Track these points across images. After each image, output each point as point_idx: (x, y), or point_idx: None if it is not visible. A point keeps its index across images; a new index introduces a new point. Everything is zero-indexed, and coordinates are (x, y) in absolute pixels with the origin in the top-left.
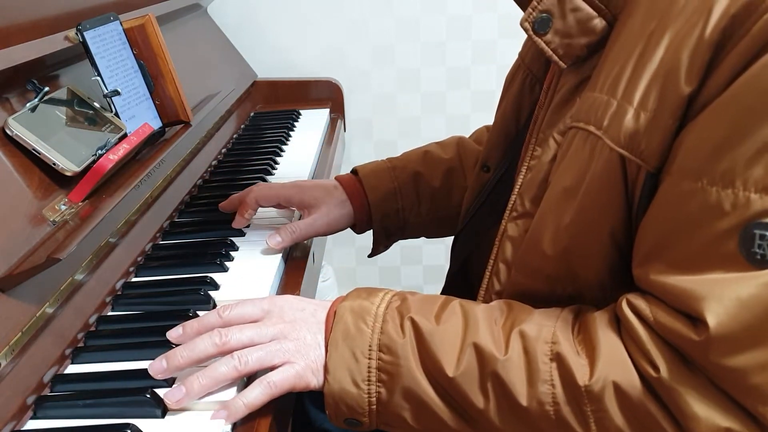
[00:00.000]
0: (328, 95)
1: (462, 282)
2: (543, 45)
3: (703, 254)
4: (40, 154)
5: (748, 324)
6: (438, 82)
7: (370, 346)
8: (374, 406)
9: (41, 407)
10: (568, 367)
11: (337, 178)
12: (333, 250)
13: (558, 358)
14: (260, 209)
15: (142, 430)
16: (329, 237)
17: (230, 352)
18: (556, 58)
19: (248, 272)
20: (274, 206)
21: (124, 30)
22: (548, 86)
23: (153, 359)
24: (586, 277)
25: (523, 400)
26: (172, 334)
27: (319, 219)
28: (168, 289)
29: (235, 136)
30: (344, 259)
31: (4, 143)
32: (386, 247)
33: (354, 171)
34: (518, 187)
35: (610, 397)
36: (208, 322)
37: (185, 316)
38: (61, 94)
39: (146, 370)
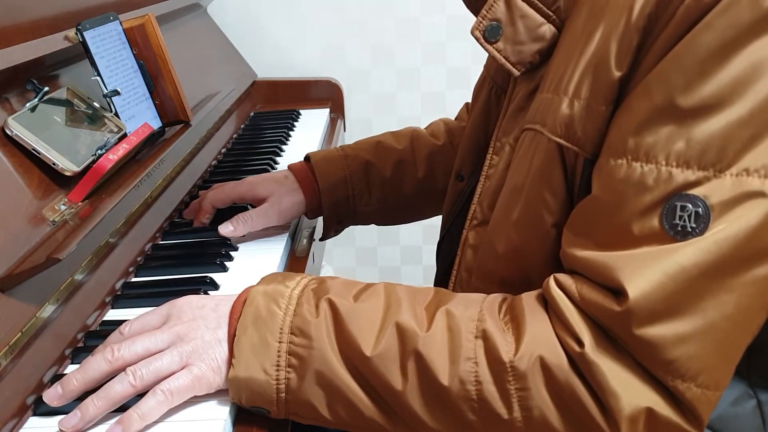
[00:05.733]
0: (327, 95)
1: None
2: (495, 53)
3: (627, 229)
4: (39, 154)
5: (667, 295)
6: (438, 82)
7: (281, 328)
8: (283, 394)
9: (41, 407)
10: (493, 344)
11: (289, 167)
12: (333, 250)
13: (484, 335)
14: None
15: None
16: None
17: (126, 366)
18: (509, 65)
19: (248, 272)
20: (230, 205)
21: (124, 30)
22: (508, 95)
23: None
24: (538, 279)
25: (444, 379)
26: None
27: (271, 208)
28: (168, 290)
29: (234, 136)
30: (344, 259)
31: (3, 143)
32: (337, 232)
33: (307, 158)
34: (477, 196)
35: (536, 374)
36: (109, 341)
37: None
38: (61, 94)
39: None
